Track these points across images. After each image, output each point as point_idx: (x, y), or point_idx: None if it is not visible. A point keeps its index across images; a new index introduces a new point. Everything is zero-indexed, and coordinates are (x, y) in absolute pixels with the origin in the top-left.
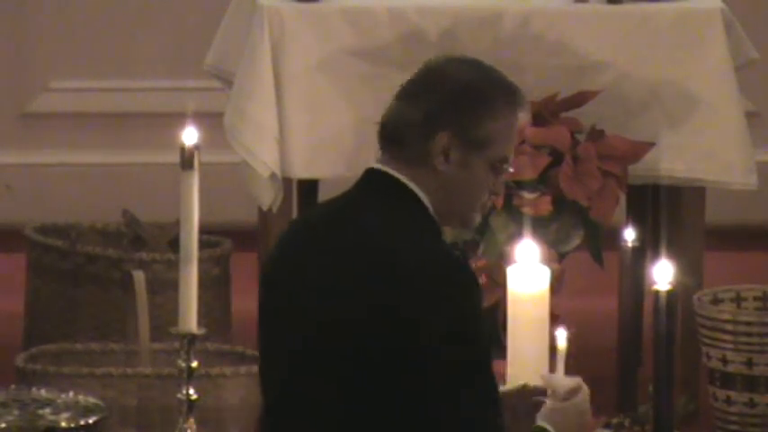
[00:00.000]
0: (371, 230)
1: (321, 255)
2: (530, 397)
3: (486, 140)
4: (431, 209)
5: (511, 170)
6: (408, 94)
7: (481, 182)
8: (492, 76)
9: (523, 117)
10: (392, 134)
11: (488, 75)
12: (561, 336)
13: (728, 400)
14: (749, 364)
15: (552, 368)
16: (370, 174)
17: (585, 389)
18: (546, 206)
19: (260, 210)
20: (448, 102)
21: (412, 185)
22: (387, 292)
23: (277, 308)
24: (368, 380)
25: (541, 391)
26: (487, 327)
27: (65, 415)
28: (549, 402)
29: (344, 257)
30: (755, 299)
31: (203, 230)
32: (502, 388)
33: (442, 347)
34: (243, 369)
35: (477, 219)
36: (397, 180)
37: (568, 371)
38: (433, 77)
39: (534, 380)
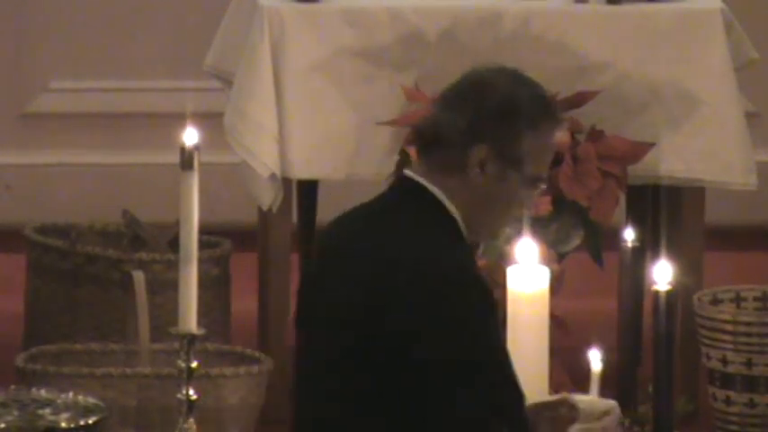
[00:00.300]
0: (391, 237)
1: (343, 259)
2: (574, 409)
3: (524, 157)
4: (459, 221)
5: (544, 186)
6: (450, 102)
7: (514, 196)
8: (535, 91)
9: (561, 135)
10: (430, 139)
11: (531, 90)
12: (596, 358)
13: (728, 401)
14: (749, 364)
15: (586, 390)
16: (403, 181)
17: (617, 412)
18: (546, 206)
19: (260, 210)
20: (489, 114)
21: (442, 196)
22: (389, 293)
23: (303, 310)
24: (370, 380)
25: (576, 406)
26: (498, 329)
27: (65, 415)
28: (580, 423)
29: (361, 262)
30: (755, 299)
31: (203, 230)
32: (543, 398)
33: (441, 346)
34: (243, 369)
35: (505, 231)
36: (428, 191)
37: (568, 368)
38: (477, 87)
39: (534, 379)
